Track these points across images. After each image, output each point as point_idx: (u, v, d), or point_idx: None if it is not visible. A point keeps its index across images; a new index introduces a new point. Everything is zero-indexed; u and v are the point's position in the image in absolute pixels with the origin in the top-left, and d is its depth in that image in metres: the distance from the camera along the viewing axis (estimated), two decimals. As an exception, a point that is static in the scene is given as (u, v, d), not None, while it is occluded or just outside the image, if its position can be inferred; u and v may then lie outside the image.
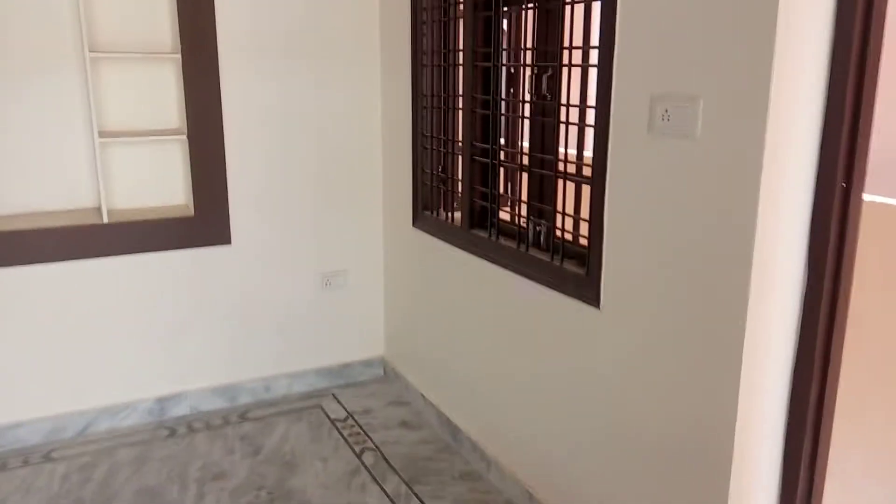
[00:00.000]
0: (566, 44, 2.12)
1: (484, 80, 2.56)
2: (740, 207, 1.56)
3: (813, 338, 1.62)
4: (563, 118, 2.17)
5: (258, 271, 3.22)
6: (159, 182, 3.05)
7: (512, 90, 2.53)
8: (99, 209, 2.89)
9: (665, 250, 1.79)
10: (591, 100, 2.03)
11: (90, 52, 2.72)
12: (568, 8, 2.10)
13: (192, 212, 3.02)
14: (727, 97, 1.57)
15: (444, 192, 2.97)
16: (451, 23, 2.73)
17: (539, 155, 2.32)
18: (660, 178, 1.77)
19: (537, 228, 2.38)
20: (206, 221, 3.03)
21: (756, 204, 1.53)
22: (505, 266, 2.48)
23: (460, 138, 2.73)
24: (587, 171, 2.08)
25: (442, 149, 2.89)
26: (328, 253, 3.36)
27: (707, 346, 1.69)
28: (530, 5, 2.29)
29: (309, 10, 3.05)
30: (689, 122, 1.65)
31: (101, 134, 2.83)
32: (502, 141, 2.57)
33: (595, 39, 1.96)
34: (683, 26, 1.65)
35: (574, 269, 2.18)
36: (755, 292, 1.57)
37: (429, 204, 3.02)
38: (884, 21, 1.45)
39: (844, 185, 1.54)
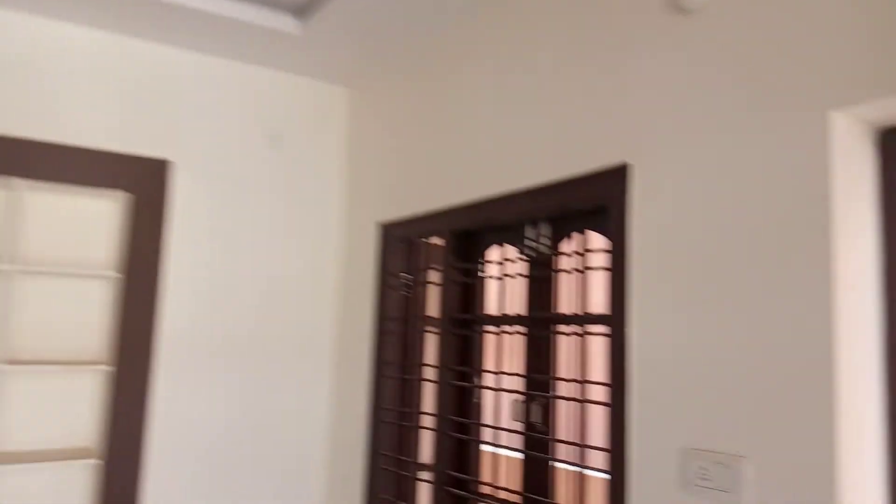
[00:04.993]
0: (561, 374, 1.96)
1: (458, 400, 2.34)
2: None
3: None
4: (558, 454, 1.93)
5: None
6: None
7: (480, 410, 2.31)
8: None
9: None
10: (592, 437, 1.82)
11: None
12: (562, 336, 1.98)
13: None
14: (780, 462, 1.37)
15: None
16: (418, 335, 2.58)
17: (532, 496, 2.02)
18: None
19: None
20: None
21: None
22: None
23: (426, 460, 2.42)
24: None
25: (402, 471, 2.55)
26: None
27: None
28: (516, 328, 2.16)
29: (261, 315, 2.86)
30: (734, 484, 1.43)
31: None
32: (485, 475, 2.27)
33: (591, 371, 1.81)
34: (722, 378, 1.51)
35: None
36: None
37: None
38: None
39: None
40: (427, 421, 2.47)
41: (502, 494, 2.16)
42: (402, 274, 2.67)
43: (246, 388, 2.81)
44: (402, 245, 2.67)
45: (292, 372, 2.92)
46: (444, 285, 2.36)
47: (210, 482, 2.71)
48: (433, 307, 2.53)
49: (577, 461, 1.87)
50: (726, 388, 1.48)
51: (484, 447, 2.30)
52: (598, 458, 1.80)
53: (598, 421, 1.81)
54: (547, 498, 1.98)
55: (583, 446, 1.87)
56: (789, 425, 1.36)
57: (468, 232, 2.33)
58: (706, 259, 1.55)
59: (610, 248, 1.76)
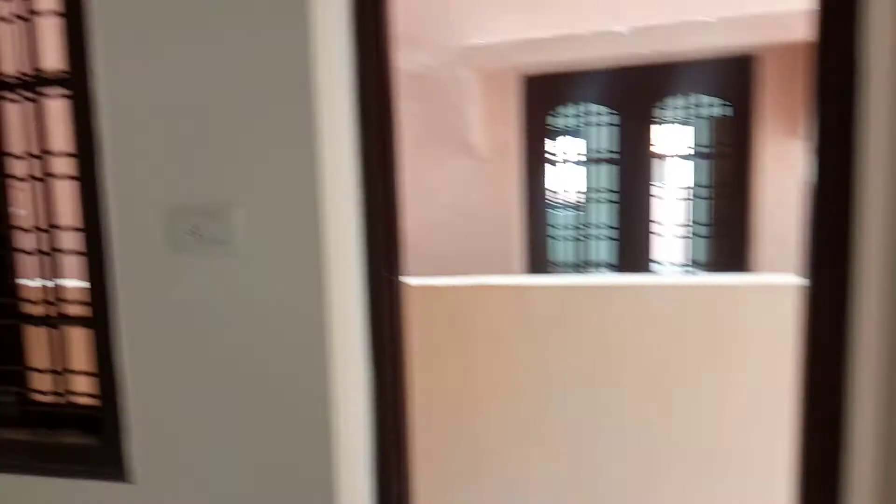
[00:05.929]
0: (13, 151, 1.61)
1: None
2: (305, 322, 1.41)
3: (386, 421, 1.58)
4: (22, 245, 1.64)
5: None
6: None
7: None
8: None
9: (222, 384, 1.48)
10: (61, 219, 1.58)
11: None
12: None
13: None
14: (270, 205, 1.40)
15: None
16: None
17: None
18: (198, 302, 1.47)
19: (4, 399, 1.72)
20: None
21: (322, 317, 1.40)
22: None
23: None
24: (71, 308, 1.61)
25: None
26: None
27: (295, 483, 1.47)
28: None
29: None
30: (227, 234, 1.41)
31: None
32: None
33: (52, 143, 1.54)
34: (202, 126, 1.41)
35: (80, 440, 1.65)
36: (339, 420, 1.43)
37: None
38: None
39: (389, 275, 1.54)
40: None
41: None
42: None
43: None
44: None
45: None
46: None
47: None
48: None
49: (48, 249, 1.62)
50: (208, 137, 1.41)
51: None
52: (73, 243, 1.58)
53: (67, 201, 1.56)
54: (15, 300, 1.69)
55: (51, 229, 1.61)
56: (275, 168, 1.39)
57: None
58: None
59: (61, -12, 1.44)
